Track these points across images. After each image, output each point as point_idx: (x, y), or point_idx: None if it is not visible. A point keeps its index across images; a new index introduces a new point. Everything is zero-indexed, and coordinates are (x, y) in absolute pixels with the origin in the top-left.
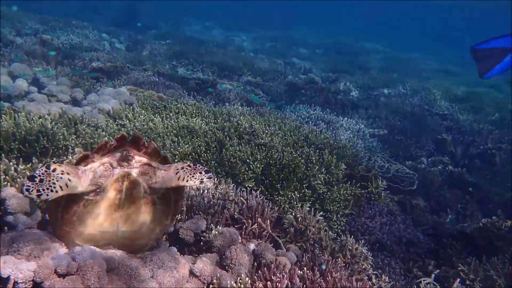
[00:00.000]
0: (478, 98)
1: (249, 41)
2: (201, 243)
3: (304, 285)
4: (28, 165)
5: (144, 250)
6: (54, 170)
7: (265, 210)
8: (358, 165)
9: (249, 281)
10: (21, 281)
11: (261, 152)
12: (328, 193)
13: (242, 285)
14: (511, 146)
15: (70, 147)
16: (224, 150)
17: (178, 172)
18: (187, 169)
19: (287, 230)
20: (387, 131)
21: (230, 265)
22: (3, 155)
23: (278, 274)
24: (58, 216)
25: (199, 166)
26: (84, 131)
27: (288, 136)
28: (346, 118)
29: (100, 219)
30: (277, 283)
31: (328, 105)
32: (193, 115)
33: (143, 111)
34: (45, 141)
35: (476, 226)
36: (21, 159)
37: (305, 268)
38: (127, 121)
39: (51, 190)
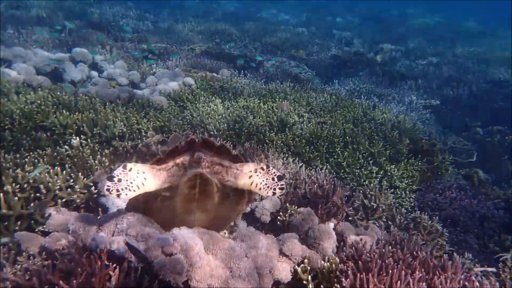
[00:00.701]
0: None
1: (284, 13)
2: (278, 222)
3: (397, 265)
4: (110, 149)
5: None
6: (130, 170)
7: (337, 189)
8: (421, 139)
9: (338, 259)
10: (134, 260)
11: (323, 131)
12: (395, 169)
13: (333, 265)
14: None
15: (142, 130)
16: (287, 129)
17: (251, 176)
18: (260, 172)
19: (358, 208)
20: (439, 102)
21: (315, 244)
22: (89, 140)
23: (367, 254)
24: (140, 207)
25: (272, 170)
26: (154, 115)
27: (346, 112)
28: (397, 90)
29: (178, 212)
30: (368, 263)
31: (376, 77)
32: (250, 95)
33: (202, 92)
34: (122, 126)
35: None
36: (104, 143)
37: (391, 247)
38: (189, 103)
39: (129, 190)
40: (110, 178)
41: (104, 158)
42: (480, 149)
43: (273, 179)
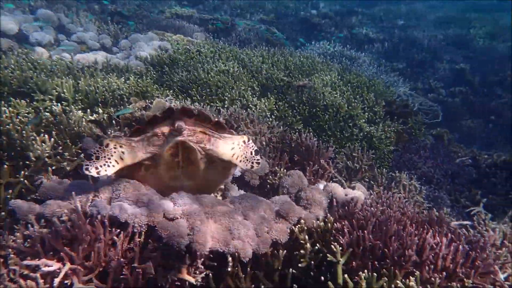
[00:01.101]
0: (492, 23)
1: None
2: (268, 185)
3: (389, 221)
4: (94, 116)
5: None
6: (107, 146)
7: (321, 151)
8: (395, 101)
9: (332, 219)
10: (138, 225)
11: (304, 94)
12: (374, 131)
13: (329, 224)
14: None
15: (124, 96)
16: (269, 94)
17: (233, 148)
18: (242, 145)
19: (341, 169)
20: (405, 64)
21: (307, 205)
22: (72, 106)
23: (359, 212)
24: (125, 176)
25: (251, 144)
26: (135, 81)
27: (324, 75)
28: (365, 53)
29: (164, 179)
30: (361, 221)
31: (344, 40)
32: (229, 59)
33: (180, 57)
34: (104, 91)
35: None
36: (88, 110)
37: (378, 204)
38: (168, 68)
39: (108, 166)
40: (88, 157)
41: (90, 125)
42: (443, 110)
43: (251, 153)
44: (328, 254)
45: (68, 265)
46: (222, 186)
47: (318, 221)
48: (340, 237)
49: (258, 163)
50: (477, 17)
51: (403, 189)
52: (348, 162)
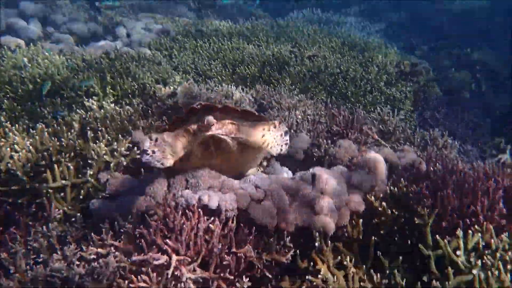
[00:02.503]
0: None
1: None
2: (314, 159)
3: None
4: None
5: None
6: (156, 140)
7: (358, 118)
8: (403, 62)
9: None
10: (230, 208)
11: (320, 64)
12: (394, 92)
13: (404, 188)
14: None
15: (147, 84)
16: (286, 67)
17: (264, 136)
18: (272, 130)
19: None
20: (385, 25)
21: (369, 172)
22: (104, 100)
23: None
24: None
25: (281, 126)
26: (153, 68)
27: (328, 43)
28: (349, 19)
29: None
30: (437, 181)
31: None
32: (233, 36)
33: (185, 39)
34: (131, 82)
35: None
36: (120, 102)
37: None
38: (176, 51)
39: (165, 158)
40: (144, 152)
41: (134, 118)
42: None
43: (281, 135)
44: (415, 218)
45: (174, 257)
46: (265, 163)
47: (387, 187)
48: (425, 199)
49: (287, 144)
50: None
51: (441, 147)
52: (380, 126)
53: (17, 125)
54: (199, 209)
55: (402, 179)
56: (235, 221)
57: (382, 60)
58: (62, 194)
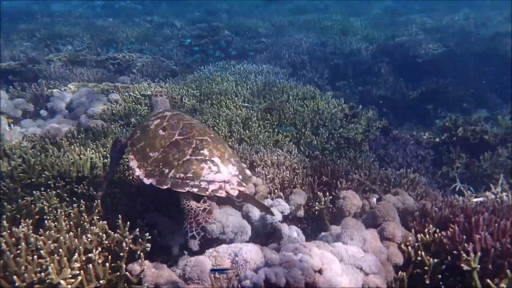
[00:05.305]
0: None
1: None
2: (315, 212)
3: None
4: None
5: None
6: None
7: (342, 167)
8: (342, 105)
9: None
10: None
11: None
12: (352, 135)
13: (434, 235)
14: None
15: None
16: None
17: None
18: None
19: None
20: (291, 69)
21: (385, 221)
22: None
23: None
24: None
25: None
26: None
27: (270, 94)
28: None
29: None
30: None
31: (226, 54)
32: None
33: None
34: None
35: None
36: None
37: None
38: (133, 119)
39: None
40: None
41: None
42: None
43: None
44: (459, 263)
45: None
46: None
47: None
48: (465, 243)
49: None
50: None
51: (412, 183)
52: (356, 170)
53: None
54: None
55: (428, 225)
56: None
57: (329, 106)
58: None
